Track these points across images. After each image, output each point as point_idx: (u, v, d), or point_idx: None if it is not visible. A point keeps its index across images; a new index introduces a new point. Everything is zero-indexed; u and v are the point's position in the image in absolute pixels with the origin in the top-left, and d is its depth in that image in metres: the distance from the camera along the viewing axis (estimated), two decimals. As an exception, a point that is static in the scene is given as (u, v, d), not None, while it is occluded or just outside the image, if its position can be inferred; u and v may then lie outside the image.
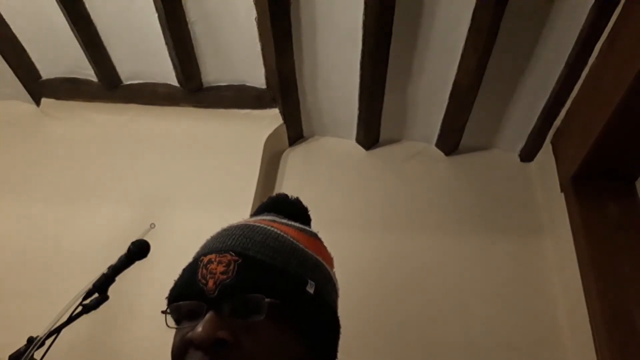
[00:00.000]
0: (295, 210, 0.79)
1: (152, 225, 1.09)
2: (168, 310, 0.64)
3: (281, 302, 0.60)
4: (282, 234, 0.68)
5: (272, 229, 0.68)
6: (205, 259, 0.63)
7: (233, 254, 0.62)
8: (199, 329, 0.57)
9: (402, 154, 2.04)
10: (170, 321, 0.64)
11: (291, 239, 0.68)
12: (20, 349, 0.86)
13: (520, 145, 1.98)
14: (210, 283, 0.60)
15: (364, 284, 1.68)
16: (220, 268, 0.61)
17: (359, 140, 2.07)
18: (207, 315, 0.58)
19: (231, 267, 0.61)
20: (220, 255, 0.63)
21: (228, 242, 0.65)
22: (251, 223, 0.70)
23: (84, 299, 0.94)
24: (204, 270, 0.62)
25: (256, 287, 0.60)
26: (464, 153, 2.03)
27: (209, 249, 0.66)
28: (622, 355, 1.34)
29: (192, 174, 1.91)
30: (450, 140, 1.98)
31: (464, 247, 1.79)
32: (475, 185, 1.94)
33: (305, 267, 0.67)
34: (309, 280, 0.65)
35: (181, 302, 0.63)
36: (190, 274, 0.64)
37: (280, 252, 0.65)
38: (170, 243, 1.60)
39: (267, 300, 0.59)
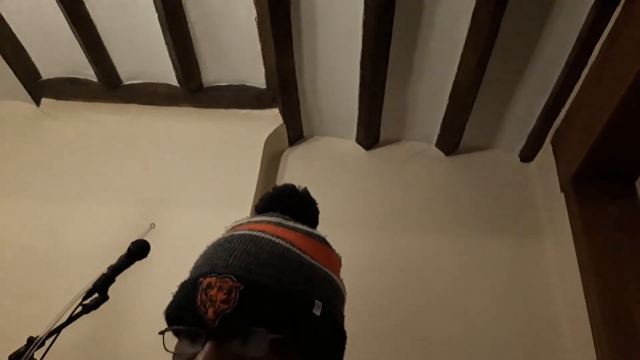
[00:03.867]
0: (303, 204, 0.77)
1: (152, 225, 1.09)
2: (165, 331, 0.62)
3: (285, 335, 0.58)
4: (288, 247, 0.65)
5: (278, 240, 0.65)
6: (205, 282, 0.59)
7: (235, 279, 0.59)
8: None
9: (402, 154, 2.04)
10: (168, 340, 0.62)
11: (298, 252, 0.66)
12: (20, 349, 0.86)
13: (520, 145, 1.98)
14: (210, 312, 0.57)
15: (364, 283, 1.68)
16: (221, 296, 0.57)
17: (359, 140, 2.07)
18: (207, 347, 0.56)
19: (232, 296, 0.57)
20: (221, 280, 0.59)
21: (230, 261, 0.61)
22: (255, 232, 0.66)
23: (84, 299, 0.94)
24: (204, 296, 0.58)
25: (259, 319, 0.57)
26: (464, 153, 2.03)
27: (209, 267, 0.62)
28: (622, 355, 1.34)
29: (192, 174, 1.91)
30: (450, 140, 1.98)
31: (464, 247, 1.79)
32: (475, 185, 1.94)
33: (313, 284, 0.64)
34: (316, 301, 0.63)
35: (180, 327, 0.60)
36: (188, 296, 0.61)
37: (286, 272, 0.62)
38: (170, 243, 1.60)
39: (270, 336, 0.56)
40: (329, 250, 0.73)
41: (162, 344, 0.61)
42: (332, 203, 1.87)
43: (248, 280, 0.59)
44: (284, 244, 0.65)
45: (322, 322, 0.63)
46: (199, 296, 0.59)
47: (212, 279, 0.59)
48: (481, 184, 1.95)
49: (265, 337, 0.56)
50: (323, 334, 0.63)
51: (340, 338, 0.68)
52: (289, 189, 0.79)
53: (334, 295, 0.68)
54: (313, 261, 0.67)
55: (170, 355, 0.62)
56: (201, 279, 0.60)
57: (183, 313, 0.60)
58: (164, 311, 0.64)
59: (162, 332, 0.62)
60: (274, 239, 0.65)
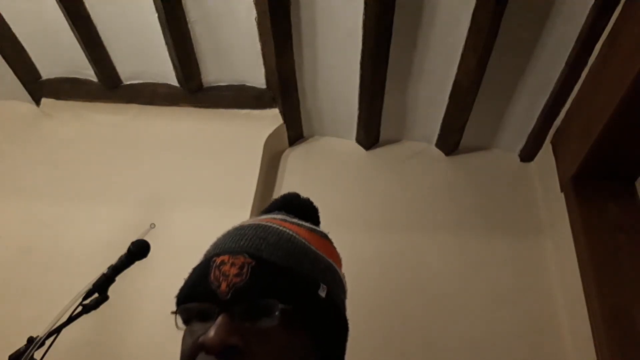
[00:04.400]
0: (305, 210, 0.79)
1: (152, 225, 1.09)
2: (177, 311, 0.63)
3: (294, 308, 0.60)
4: (294, 235, 0.68)
5: (285, 229, 0.68)
6: (218, 260, 0.62)
7: (247, 255, 0.61)
8: (211, 333, 0.56)
9: (402, 154, 2.04)
10: (179, 321, 0.63)
11: (303, 240, 0.68)
12: (20, 349, 0.86)
13: (520, 145, 1.98)
14: (224, 286, 0.59)
15: (364, 283, 1.68)
16: (234, 270, 0.60)
17: (359, 140, 2.07)
18: (219, 319, 0.57)
19: (245, 270, 0.60)
20: (234, 257, 0.61)
21: (241, 243, 0.64)
22: (263, 223, 0.69)
23: (84, 299, 0.94)
24: (217, 272, 0.60)
25: (270, 291, 0.59)
26: (464, 153, 2.03)
27: (221, 248, 0.65)
28: (622, 355, 1.34)
29: (192, 174, 1.91)
30: (450, 140, 1.98)
31: (464, 247, 1.79)
32: (475, 185, 1.94)
33: (317, 270, 0.66)
34: (321, 284, 0.64)
35: (192, 304, 0.62)
36: (201, 274, 0.63)
37: (293, 254, 0.65)
38: (170, 243, 1.60)
39: (280, 306, 0.58)
40: (331, 246, 0.75)
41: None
42: (332, 203, 1.87)
43: (259, 258, 0.61)
44: (291, 232, 0.68)
45: (327, 304, 0.64)
46: (212, 273, 0.61)
47: (225, 257, 0.62)
48: (481, 184, 1.95)
49: (276, 307, 0.58)
50: (328, 317, 0.65)
51: (343, 326, 0.69)
52: (293, 196, 0.82)
53: (337, 285, 0.70)
54: (318, 251, 0.69)
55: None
56: (214, 258, 0.63)
57: (196, 290, 0.62)
58: (176, 295, 0.65)
59: (174, 312, 0.63)
60: (281, 227, 0.68)
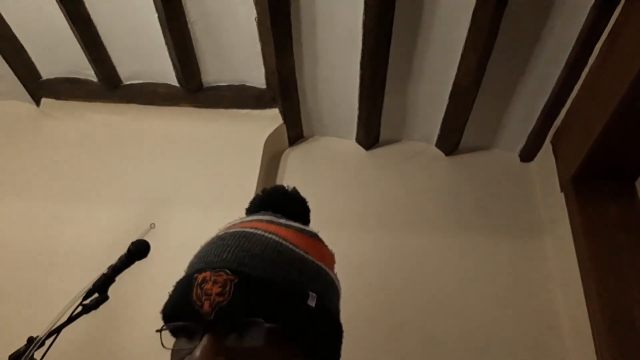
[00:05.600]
0: (293, 205, 0.77)
1: (152, 225, 1.09)
2: (163, 329, 0.62)
3: (281, 326, 0.59)
4: (280, 241, 0.66)
5: (270, 236, 0.66)
6: (200, 277, 0.60)
7: (229, 272, 0.59)
8: (197, 354, 0.55)
9: (402, 154, 2.04)
10: (166, 337, 0.62)
11: (291, 247, 0.66)
12: (20, 349, 0.85)
13: (520, 145, 1.98)
14: (206, 305, 0.58)
15: (364, 283, 1.68)
16: (216, 289, 0.58)
17: (359, 140, 2.06)
18: (205, 340, 0.56)
19: (227, 289, 0.58)
20: (216, 274, 0.59)
21: (224, 256, 0.62)
22: (248, 229, 0.67)
23: (84, 299, 0.94)
24: (199, 291, 0.59)
25: (254, 309, 0.58)
26: (464, 153, 2.03)
27: (203, 263, 0.63)
28: (622, 355, 1.34)
29: (192, 173, 1.91)
30: (450, 140, 1.98)
31: (464, 247, 1.79)
32: (475, 185, 1.94)
33: (306, 277, 0.65)
34: (310, 293, 0.63)
35: (177, 323, 0.61)
36: (184, 292, 0.61)
37: (279, 264, 0.63)
38: (170, 243, 1.60)
39: (266, 325, 0.57)
40: (322, 245, 0.74)
41: (160, 343, 0.61)
42: (332, 203, 1.88)
43: (242, 273, 0.60)
44: (277, 239, 0.66)
45: (317, 314, 0.63)
46: (194, 291, 0.59)
47: (207, 274, 0.60)
48: (481, 184, 1.95)
49: (262, 326, 0.57)
50: (319, 326, 0.64)
51: (336, 332, 0.68)
52: (278, 190, 0.80)
53: (329, 289, 0.69)
54: (306, 255, 0.67)
55: (169, 355, 0.63)
56: (196, 274, 0.61)
57: (179, 309, 0.61)
58: (161, 310, 0.64)
59: (159, 330, 0.62)
60: (266, 234, 0.66)
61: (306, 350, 0.62)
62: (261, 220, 0.70)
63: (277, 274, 0.62)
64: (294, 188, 0.80)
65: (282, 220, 0.71)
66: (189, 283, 0.61)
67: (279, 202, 0.76)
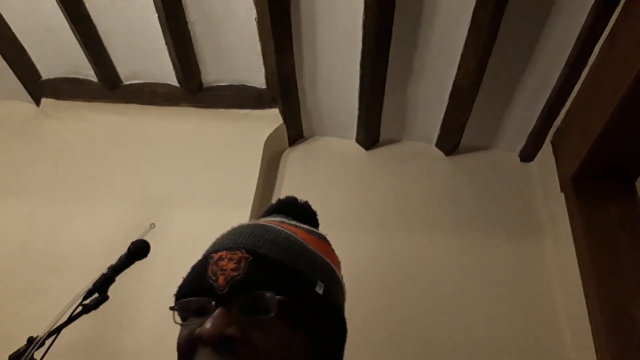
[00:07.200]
0: (303, 213, 0.79)
1: (152, 225, 1.09)
2: (175, 307, 0.63)
3: (291, 301, 0.60)
4: (292, 234, 0.68)
5: (282, 229, 0.68)
6: (216, 256, 0.62)
7: (244, 251, 0.62)
8: (208, 325, 0.57)
9: (402, 154, 2.04)
10: (177, 318, 0.63)
11: (301, 240, 0.68)
12: (20, 349, 0.85)
13: (520, 145, 1.98)
14: (221, 279, 0.60)
15: (364, 283, 1.68)
16: (231, 265, 0.61)
17: (359, 140, 2.07)
18: (216, 312, 0.58)
19: (242, 264, 0.60)
20: (231, 253, 0.62)
21: (239, 240, 0.65)
22: (261, 223, 0.70)
23: (84, 299, 0.94)
24: (215, 267, 0.61)
25: (267, 284, 0.60)
26: (464, 153, 2.03)
27: (219, 246, 0.66)
28: (622, 355, 1.34)
29: (192, 174, 1.91)
30: (450, 140, 1.98)
31: (464, 247, 1.79)
32: (475, 185, 1.94)
33: (315, 268, 0.66)
34: (318, 281, 0.64)
35: (189, 299, 0.62)
36: (199, 271, 0.63)
37: (291, 251, 0.65)
38: (170, 243, 1.60)
39: (277, 297, 0.59)
40: (330, 248, 0.75)
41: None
42: (332, 203, 1.88)
43: (256, 253, 0.62)
44: (288, 232, 0.69)
45: (324, 301, 0.64)
46: (210, 268, 0.62)
47: (223, 253, 0.63)
48: (481, 184, 1.95)
49: (273, 299, 0.59)
50: (325, 314, 0.65)
51: (341, 326, 0.69)
52: (291, 200, 0.82)
53: (336, 285, 0.70)
54: (316, 251, 0.69)
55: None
56: (212, 254, 0.64)
57: (193, 287, 0.63)
58: (175, 293, 0.66)
59: (172, 308, 0.64)
60: (279, 227, 0.69)
61: (314, 336, 0.63)
62: (273, 220, 0.73)
63: (289, 259, 0.64)
64: (306, 201, 0.83)
65: (293, 222, 0.74)
66: (205, 262, 0.63)
67: (290, 210, 0.79)
